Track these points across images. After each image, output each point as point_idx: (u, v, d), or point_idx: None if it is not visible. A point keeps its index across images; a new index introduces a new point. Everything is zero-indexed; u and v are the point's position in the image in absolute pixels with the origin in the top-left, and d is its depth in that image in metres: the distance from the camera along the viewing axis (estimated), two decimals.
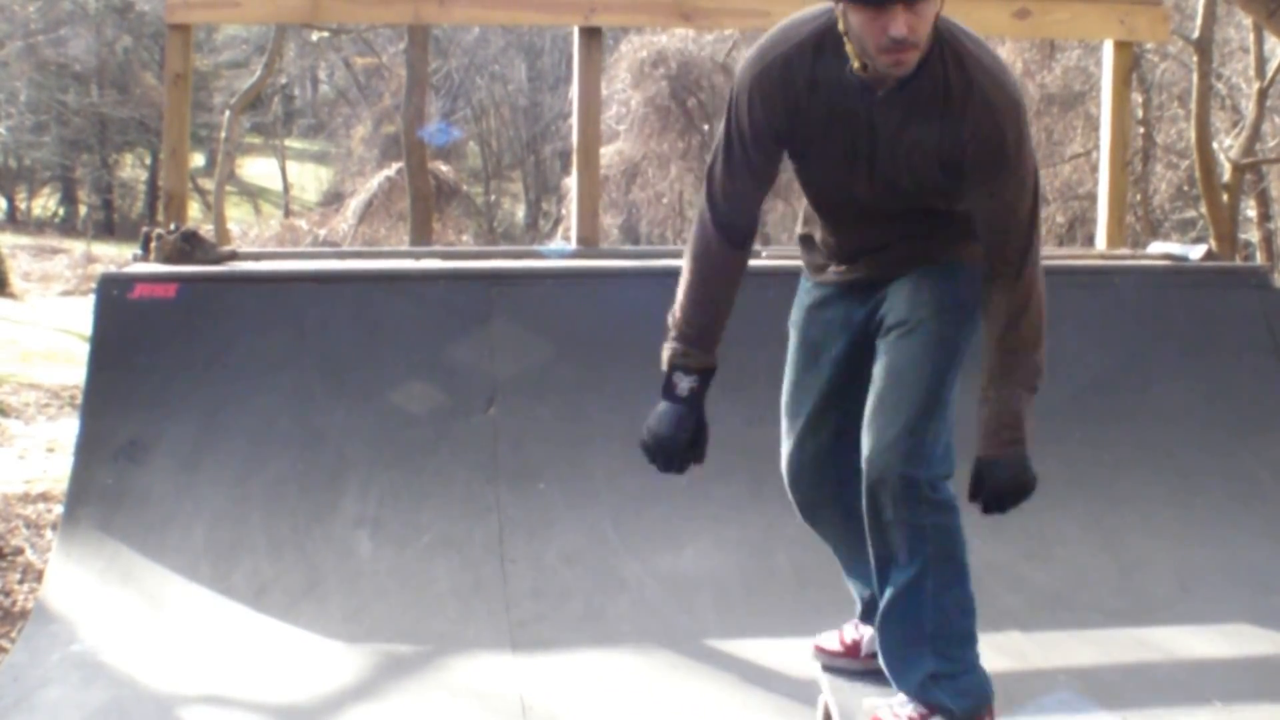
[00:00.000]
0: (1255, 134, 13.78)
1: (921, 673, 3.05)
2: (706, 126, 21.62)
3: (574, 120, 5.98)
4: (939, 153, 2.93)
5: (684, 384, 3.10)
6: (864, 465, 3.03)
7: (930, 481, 2.98)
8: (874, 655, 3.26)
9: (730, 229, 3.09)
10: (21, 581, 5.21)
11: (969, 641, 3.09)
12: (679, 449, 3.08)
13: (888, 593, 3.07)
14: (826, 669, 3.45)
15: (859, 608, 3.45)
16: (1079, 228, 17.91)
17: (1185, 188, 17.29)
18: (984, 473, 2.98)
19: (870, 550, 3.10)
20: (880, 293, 3.18)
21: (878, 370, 3.08)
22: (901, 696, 3.09)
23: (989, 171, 2.91)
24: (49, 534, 5.77)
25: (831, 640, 3.48)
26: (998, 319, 3.00)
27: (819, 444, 3.27)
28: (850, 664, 3.42)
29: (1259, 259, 15.85)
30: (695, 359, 3.12)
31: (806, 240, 3.36)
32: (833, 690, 3.36)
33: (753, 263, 5.46)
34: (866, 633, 3.40)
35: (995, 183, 2.93)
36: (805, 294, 3.37)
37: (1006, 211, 2.96)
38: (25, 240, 27.74)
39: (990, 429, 2.97)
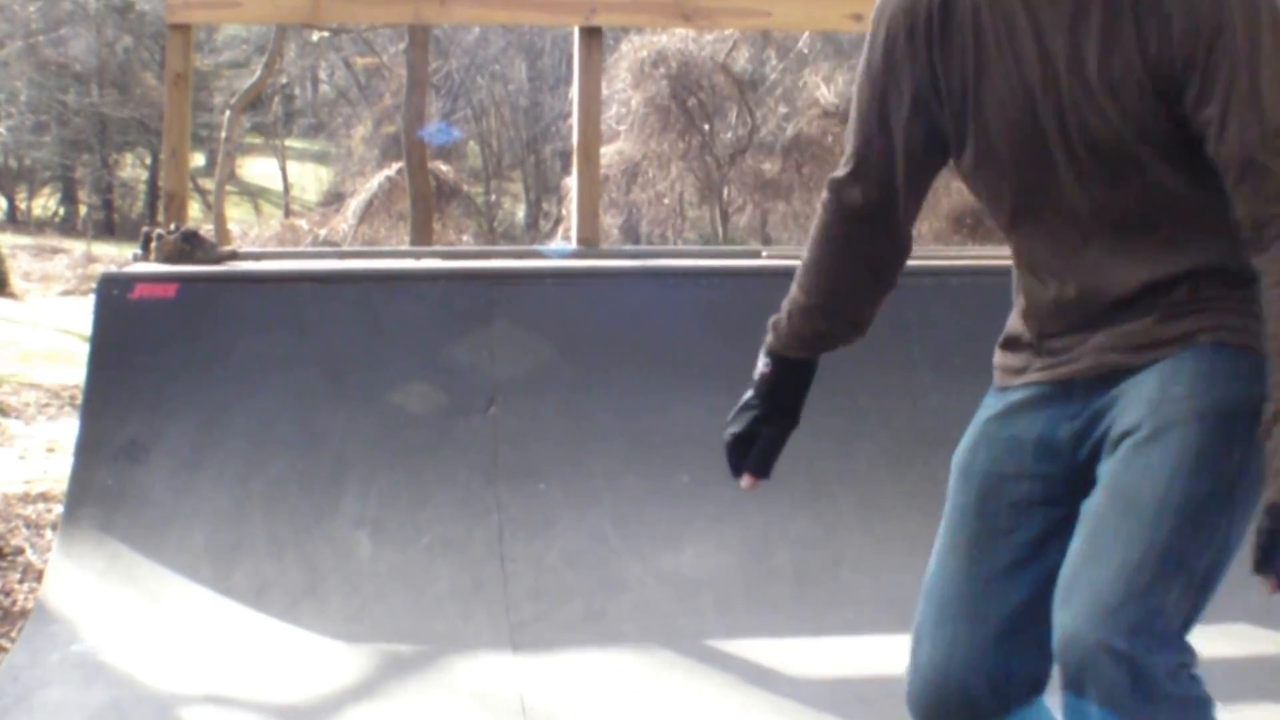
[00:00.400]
0: None
1: None
2: (707, 126, 21.63)
3: (574, 120, 5.98)
4: (1144, 59, 1.89)
5: (758, 366, 2.41)
6: (1058, 649, 1.99)
7: (1170, 670, 1.91)
8: None
9: (844, 189, 2.17)
10: (21, 581, 5.20)
11: None
12: (726, 447, 2.43)
13: None
14: None
15: None
16: None
17: None
18: (1273, 527, 1.96)
19: None
20: (1105, 395, 2.03)
21: (1092, 502, 1.97)
22: None
23: (1218, 70, 1.85)
24: (49, 534, 5.77)
25: None
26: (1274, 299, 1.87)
27: (985, 650, 2.11)
28: None
29: None
30: (775, 339, 2.34)
31: (1009, 343, 2.35)
32: None
33: (753, 262, 5.50)
34: None
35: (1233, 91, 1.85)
36: (984, 413, 2.27)
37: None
38: (25, 240, 27.74)
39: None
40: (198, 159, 30.77)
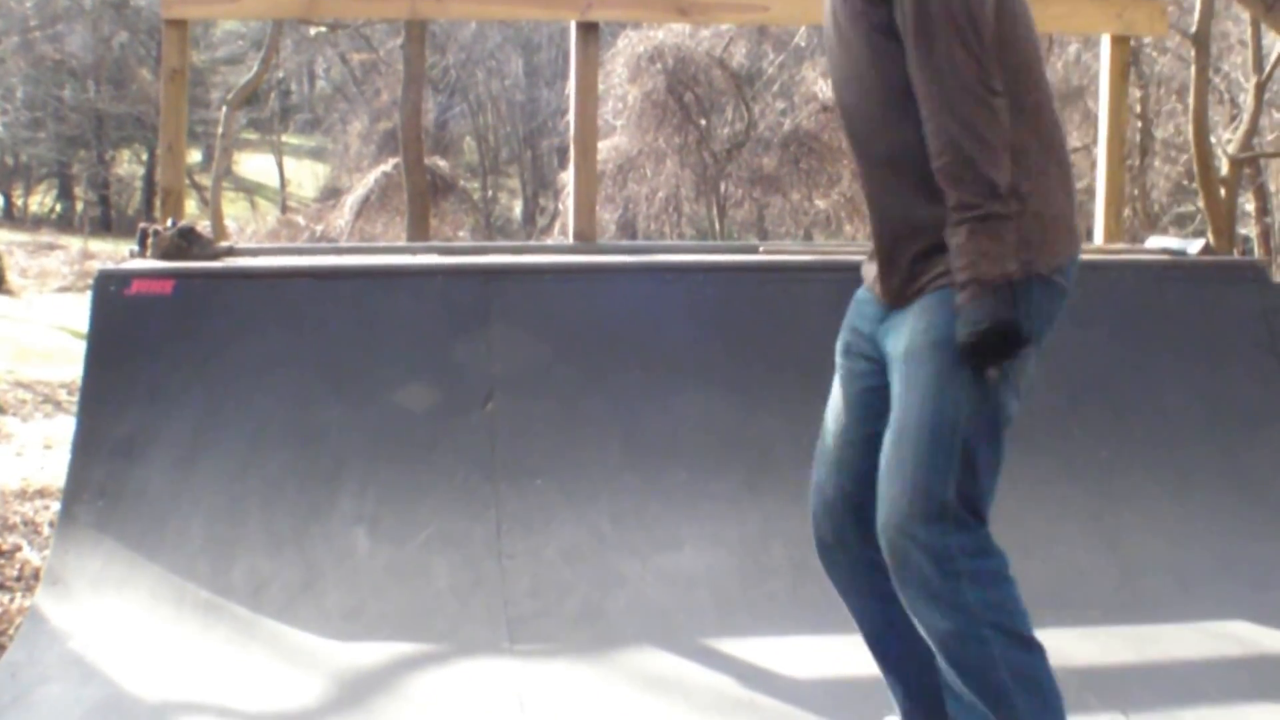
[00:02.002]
0: (1253, 128, 13.77)
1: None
2: (704, 121, 21.62)
3: (571, 115, 5.97)
4: None
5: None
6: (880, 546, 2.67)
7: (965, 549, 2.60)
8: None
9: None
10: (19, 578, 5.21)
11: (1039, 693, 2.64)
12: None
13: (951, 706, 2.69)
14: None
15: (898, 696, 3.02)
16: (1077, 222, 17.88)
17: (1183, 182, 17.30)
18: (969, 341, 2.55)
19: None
20: (891, 316, 2.75)
21: (889, 421, 2.67)
22: None
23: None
24: (46, 531, 5.77)
25: None
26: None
27: (839, 490, 2.88)
28: None
29: (1257, 253, 15.84)
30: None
31: (870, 253, 2.92)
32: None
33: (749, 258, 5.49)
34: None
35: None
36: (852, 302, 2.95)
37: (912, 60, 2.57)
38: (22, 237, 27.72)
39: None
40: (194, 155, 30.78)
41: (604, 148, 19.47)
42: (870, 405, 2.79)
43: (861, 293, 2.89)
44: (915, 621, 2.67)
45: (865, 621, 2.96)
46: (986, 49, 2.53)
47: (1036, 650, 2.67)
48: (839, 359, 2.90)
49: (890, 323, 2.72)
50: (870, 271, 2.83)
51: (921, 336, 2.61)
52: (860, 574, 2.89)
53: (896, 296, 2.70)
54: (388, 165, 23.26)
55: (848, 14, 2.67)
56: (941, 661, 2.66)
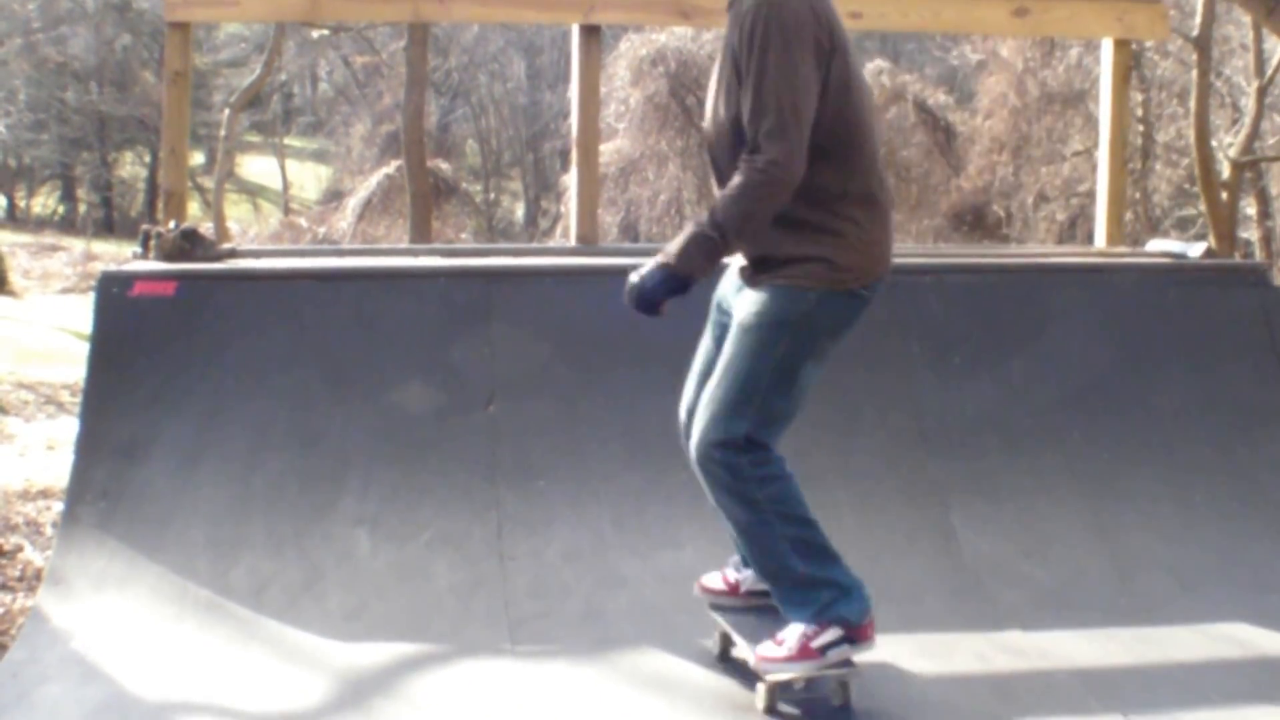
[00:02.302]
0: (1254, 132, 13.77)
1: (790, 603, 3.59)
2: None
3: (573, 118, 5.98)
4: (733, 55, 3.49)
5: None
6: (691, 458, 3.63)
7: (752, 460, 3.52)
8: (752, 593, 3.86)
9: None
10: (21, 578, 5.21)
11: (825, 572, 3.58)
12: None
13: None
14: (713, 606, 3.93)
15: (738, 555, 3.91)
16: (1079, 225, 17.91)
17: (1185, 185, 17.29)
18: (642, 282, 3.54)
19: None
20: (735, 294, 3.71)
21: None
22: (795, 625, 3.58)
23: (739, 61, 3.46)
24: (49, 531, 5.78)
25: (715, 581, 3.96)
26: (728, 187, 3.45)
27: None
28: (733, 601, 3.91)
29: (1258, 257, 15.84)
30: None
31: None
32: (727, 620, 3.84)
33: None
34: (746, 575, 3.90)
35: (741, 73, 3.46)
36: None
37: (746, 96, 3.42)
38: (25, 238, 27.71)
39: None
40: (197, 157, 30.78)
41: (606, 150, 19.47)
42: (722, 326, 3.75)
43: (734, 267, 3.75)
44: (719, 510, 3.60)
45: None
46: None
47: (811, 525, 3.58)
48: (712, 310, 3.84)
49: (741, 294, 3.63)
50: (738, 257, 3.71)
51: (749, 313, 3.55)
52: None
53: (747, 281, 3.63)
54: (390, 168, 23.25)
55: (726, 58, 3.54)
56: (738, 537, 3.65)
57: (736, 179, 3.41)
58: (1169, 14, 7.01)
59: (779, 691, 3.62)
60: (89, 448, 4.48)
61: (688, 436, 3.69)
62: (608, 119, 20.05)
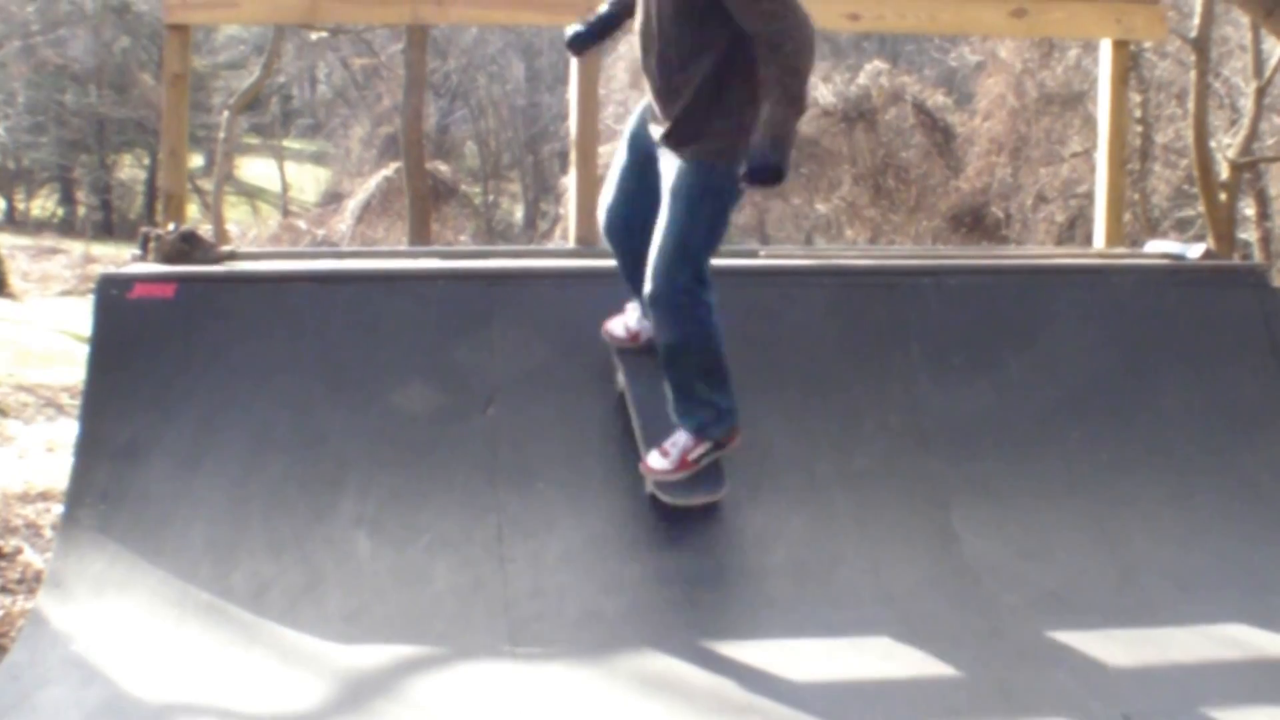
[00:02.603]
0: (1253, 133, 13.79)
1: (689, 419, 4.39)
2: None
3: (572, 120, 5.99)
4: None
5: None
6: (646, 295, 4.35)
7: (690, 298, 4.26)
8: (651, 341, 4.53)
9: None
10: (21, 581, 5.22)
11: (715, 396, 4.37)
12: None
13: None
14: (618, 351, 4.72)
15: (640, 308, 4.64)
16: (1078, 226, 17.92)
17: (1183, 186, 17.31)
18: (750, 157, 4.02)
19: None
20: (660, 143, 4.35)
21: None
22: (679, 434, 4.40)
23: None
24: (48, 534, 5.78)
25: (619, 328, 4.74)
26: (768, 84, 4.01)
27: (626, 210, 4.55)
28: (634, 346, 4.70)
29: (1257, 258, 15.86)
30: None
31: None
32: (624, 365, 4.63)
33: (750, 263, 5.50)
34: (645, 326, 4.62)
35: None
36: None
37: None
38: (24, 241, 27.71)
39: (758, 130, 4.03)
40: (196, 159, 30.78)
41: (605, 152, 19.39)
42: (637, 151, 4.48)
43: (646, 116, 4.44)
44: (654, 327, 4.37)
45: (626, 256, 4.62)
46: None
47: (720, 354, 4.32)
48: (631, 134, 4.53)
49: (666, 159, 4.31)
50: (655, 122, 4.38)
51: (683, 185, 4.23)
52: (626, 240, 4.57)
53: (672, 148, 4.29)
54: (389, 170, 23.26)
55: None
56: (662, 355, 4.36)
57: (774, 78, 3.99)
58: (1167, 15, 7.02)
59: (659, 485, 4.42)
60: (88, 450, 4.48)
61: (610, 234, 4.62)
62: (606, 121, 20.02)
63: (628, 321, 4.76)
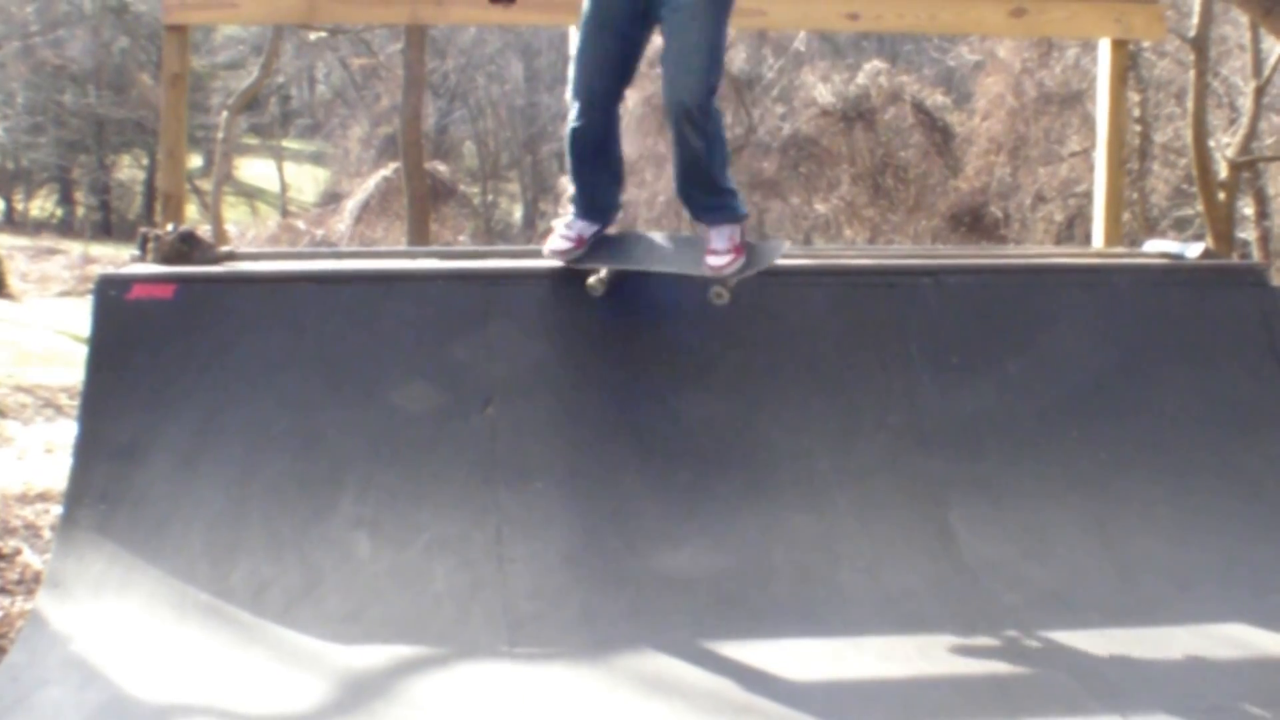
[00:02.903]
0: (1252, 132, 13.80)
1: (728, 209, 4.70)
2: None
3: None
4: None
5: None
6: (668, 107, 4.64)
7: (707, 114, 4.57)
8: (590, 236, 4.81)
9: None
10: (20, 582, 5.22)
11: (732, 183, 4.79)
12: None
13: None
14: (577, 260, 4.81)
15: (571, 218, 4.87)
16: (1077, 225, 17.94)
17: (1182, 186, 17.32)
18: None
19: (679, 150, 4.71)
20: None
21: (664, 38, 4.59)
22: (722, 229, 4.68)
23: None
24: (47, 534, 5.78)
25: (562, 244, 4.83)
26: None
27: (608, 118, 4.77)
28: (584, 250, 4.81)
29: (1255, 257, 15.87)
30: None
31: None
32: (594, 259, 4.77)
33: None
34: (578, 225, 4.84)
35: None
36: None
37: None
38: (23, 241, 27.74)
39: None
40: (195, 160, 30.80)
41: None
42: (619, 36, 4.64)
43: None
44: (681, 140, 4.63)
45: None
46: None
47: (725, 143, 4.72)
48: (599, 17, 4.63)
49: None
50: None
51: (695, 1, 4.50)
52: (601, 124, 4.77)
53: None
54: (388, 170, 23.27)
55: None
56: (688, 166, 4.70)
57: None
58: (1166, 14, 7.02)
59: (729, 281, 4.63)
60: (87, 451, 4.48)
61: (600, 109, 4.73)
62: None
63: (564, 236, 4.86)
